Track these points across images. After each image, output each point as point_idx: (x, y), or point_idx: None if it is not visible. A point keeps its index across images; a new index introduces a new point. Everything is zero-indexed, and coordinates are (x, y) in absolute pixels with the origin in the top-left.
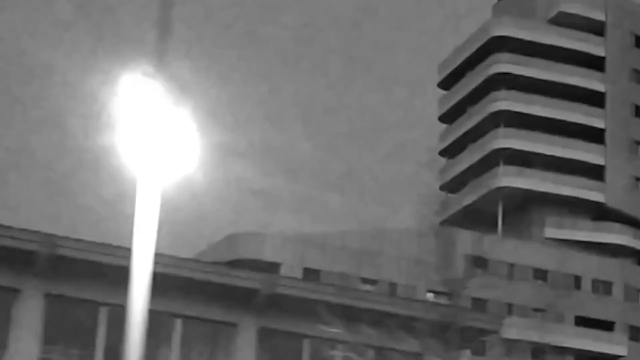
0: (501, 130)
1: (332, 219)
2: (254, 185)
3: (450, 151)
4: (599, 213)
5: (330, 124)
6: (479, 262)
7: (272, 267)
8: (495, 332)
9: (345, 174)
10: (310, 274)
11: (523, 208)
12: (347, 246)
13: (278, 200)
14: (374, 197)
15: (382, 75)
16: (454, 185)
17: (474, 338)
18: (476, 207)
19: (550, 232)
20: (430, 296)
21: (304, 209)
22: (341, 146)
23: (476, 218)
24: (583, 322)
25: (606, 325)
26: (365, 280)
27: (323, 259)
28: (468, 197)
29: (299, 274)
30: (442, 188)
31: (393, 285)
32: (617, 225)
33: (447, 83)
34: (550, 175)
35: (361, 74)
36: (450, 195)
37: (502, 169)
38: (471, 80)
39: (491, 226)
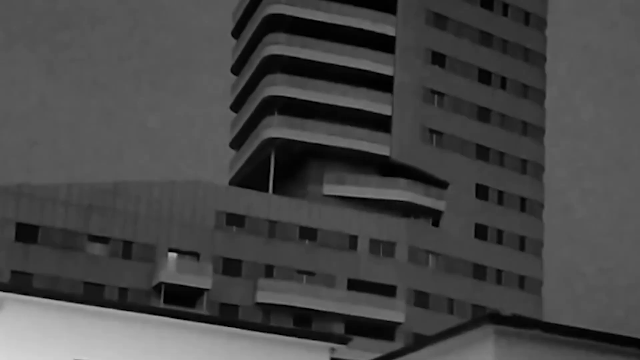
0: (274, 77)
1: (62, 171)
2: None
3: (237, 104)
4: (389, 168)
5: None
6: (233, 220)
7: None
8: None
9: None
10: (25, 229)
11: (302, 163)
12: (74, 201)
13: None
14: (169, 152)
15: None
16: (240, 141)
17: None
18: (258, 163)
19: (329, 188)
20: (172, 256)
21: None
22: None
23: (264, 175)
24: (358, 286)
25: (386, 290)
26: (95, 239)
27: (41, 214)
28: (247, 152)
29: (11, 230)
30: (231, 145)
31: (128, 244)
32: (403, 181)
33: (237, 31)
34: (332, 126)
35: None
36: (236, 151)
37: (273, 118)
38: (252, 24)
39: (276, 182)
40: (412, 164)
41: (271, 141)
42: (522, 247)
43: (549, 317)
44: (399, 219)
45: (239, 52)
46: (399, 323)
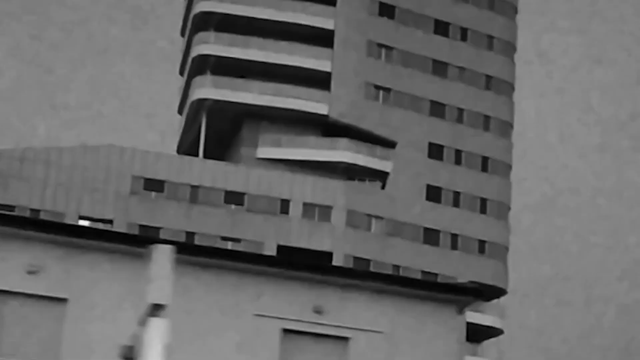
0: (205, 35)
1: None
2: None
3: (182, 66)
4: (335, 130)
5: None
6: (152, 185)
7: None
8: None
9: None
10: None
11: (237, 126)
12: None
13: None
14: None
15: None
16: (182, 106)
17: None
18: (194, 128)
19: (264, 151)
20: (84, 223)
21: None
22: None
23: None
24: (288, 253)
25: (320, 257)
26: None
27: None
28: (184, 117)
29: None
30: (178, 110)
31: (35, 213)
32: (344, 141)
33: None
34: (266, 86)
35: None
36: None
37: (204, 79)
38: None
39: (211, 147)
40: (354, 123)
41: (201, 103)
42: (483, 210)
43: (515, 285)
44: (336, 181)
45: (183, 11)
46: None
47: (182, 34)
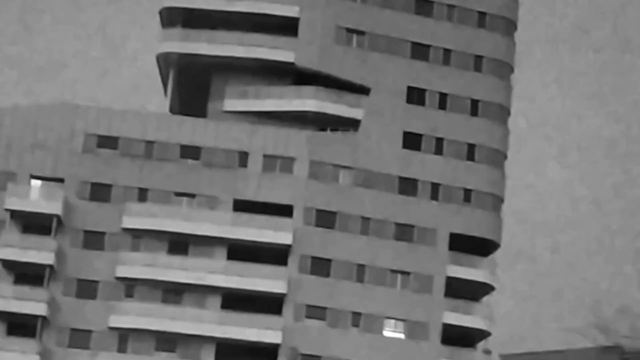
0: None
1: None
2: None
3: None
4: (307, 78)
5: None
6: (105, 142)
7: None
8: None
9: None
10: None
11: (206, 78)
12: None
13: None
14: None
15: None
16: None
17: None
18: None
19: (231, 104)
20: (36, 183)
21: None
22: None
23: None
24: (246, 207)
25: (281, 210)
26: None
27: None
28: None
29: None
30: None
31: None
32: (309, 89)
33: None
34: (230, 35)
35: None
36: None
37: (169, 32)
38: None
39: (182, 103)
40: (324, 70)
41: (167, 56)
42: (471, 157)
43: (508, 239)
44: (299, 131)
45: None
46: (289, 245)
47: None
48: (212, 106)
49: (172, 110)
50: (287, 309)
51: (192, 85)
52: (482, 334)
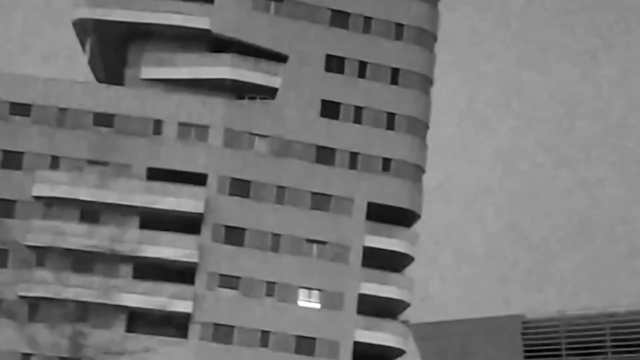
0: None
1: None
2: None
3: None
4: (221, 45)
5: None
6: (17, 109)
7: None
8: None
9: None
10: None
11: (123, 45)
12: None
13: None
14: None
15: None
16: None
17: None
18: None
19: (148, 71)
20: None
21: None
22: None
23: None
24: (159, 175)
25: (194, 178)
26: None
27: None
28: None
29: None
30: None
31: None
32: (225, 57)
33: None
34: (146, 2)
35: None
36: None
37: None
38: None
39: (114, 73)
40: (240, 37)
41: (82, 23)
42: (390, 126)
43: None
44: (215, 99)
45: None
46: (201, 214)
47: None
48: (129, 73)
49: (98, 78)
50: (200, 278)
51: (112, 53)
52: (403, 305)
